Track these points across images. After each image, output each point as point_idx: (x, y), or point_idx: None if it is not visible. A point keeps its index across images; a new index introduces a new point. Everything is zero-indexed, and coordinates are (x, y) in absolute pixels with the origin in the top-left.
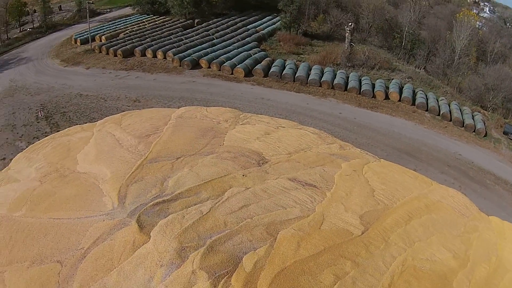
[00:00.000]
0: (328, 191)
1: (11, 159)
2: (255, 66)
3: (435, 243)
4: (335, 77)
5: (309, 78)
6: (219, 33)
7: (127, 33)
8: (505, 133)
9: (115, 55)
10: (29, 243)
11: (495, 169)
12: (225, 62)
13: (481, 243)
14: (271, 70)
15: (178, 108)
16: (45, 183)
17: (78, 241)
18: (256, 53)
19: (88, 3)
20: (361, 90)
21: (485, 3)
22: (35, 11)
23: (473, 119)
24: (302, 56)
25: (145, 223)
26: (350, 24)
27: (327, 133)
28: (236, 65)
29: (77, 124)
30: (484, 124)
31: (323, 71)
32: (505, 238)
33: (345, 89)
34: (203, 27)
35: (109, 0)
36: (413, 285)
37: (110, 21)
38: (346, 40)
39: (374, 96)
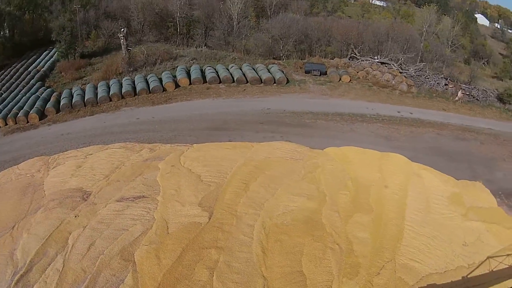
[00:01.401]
0: (158, 195)
1: None
2: (46, 106)
3: (283, 196)
4: (122, 87)
5: (98, 97)
6: (5, 86)
7: None
8: (307, 72)
9: None
10: None
11: (309, 107)
12: (18, 113)
13: (328, 175)
14: (61, 104)
15: None
16: None
17: None
18: (43, 92)
19: None
20: (150, 88)
21: None
22: None
23: (269, 72)
24: (85, 78)
25: None
26: (122, 30)
27: (133, 142)
28: (29, 112)
29: None
30: (283, 72)
31: (109, 85)
32: (350, 161)
33: (135, 94)
34: None
35: None
36: (286, 241)
37: None
38: (123, 46)
39: (165, 90)
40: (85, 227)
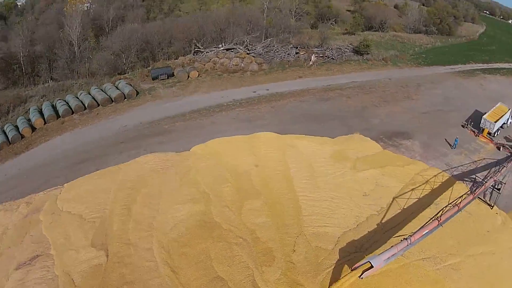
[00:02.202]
0: (50, 249)
1: None
2: None
3: (168, 208)
4: None
5: None
6: None
7: None
8: (154, 78)
9: None
10: None
11: (165, 112)
12: None
13: (204, 173)
14: None
15: None
16: None
17: None
18: None
19: None
20: (10, 139)
21: None
22: None
23: (118, 89)
24: None
25: None
26: None
27: (9, 201)
28: None
29: None
30: (131, 85)
31: None
32: (220, 153)
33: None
34: None
35: None
36: (189, 252)
37: None
38: None
39: (23, 136)
40: None
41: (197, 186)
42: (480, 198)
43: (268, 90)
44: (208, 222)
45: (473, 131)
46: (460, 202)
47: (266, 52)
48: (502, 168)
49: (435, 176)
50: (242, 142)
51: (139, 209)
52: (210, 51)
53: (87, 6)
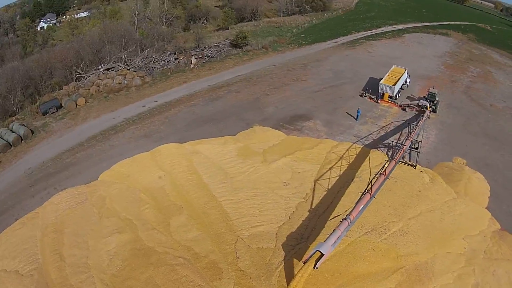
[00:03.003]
0: None
1: None
2: None
3: (97, 244)
4: None
5: None
6: None
7: None
8: (45, 113)
9: None
10: None
11: (63, 146)
12: None
13: (119, 200)
14: None
15: None
16: None
17: None
18: None
19: None
20: None
21: None
22: None
23: (13, 132)
24: None
25: None
26: None
27: None
28: None
29: None
30: (25, 126)
31: None
32: (128, 175)
33: None
34: None
35: None
36: (134, 284)
37: None
38: None
39: None
40: None
41: (117, 214)
42: (401, 161)
43: (156, 101)
44: (141, 249)
45: (372, 98)
46: (385, 169)
47: (146, 64)
48: (416, 127)
49: (347, 150)
50: (146, 159)
51: (70, 251)
52: (91, 74)
53: None
